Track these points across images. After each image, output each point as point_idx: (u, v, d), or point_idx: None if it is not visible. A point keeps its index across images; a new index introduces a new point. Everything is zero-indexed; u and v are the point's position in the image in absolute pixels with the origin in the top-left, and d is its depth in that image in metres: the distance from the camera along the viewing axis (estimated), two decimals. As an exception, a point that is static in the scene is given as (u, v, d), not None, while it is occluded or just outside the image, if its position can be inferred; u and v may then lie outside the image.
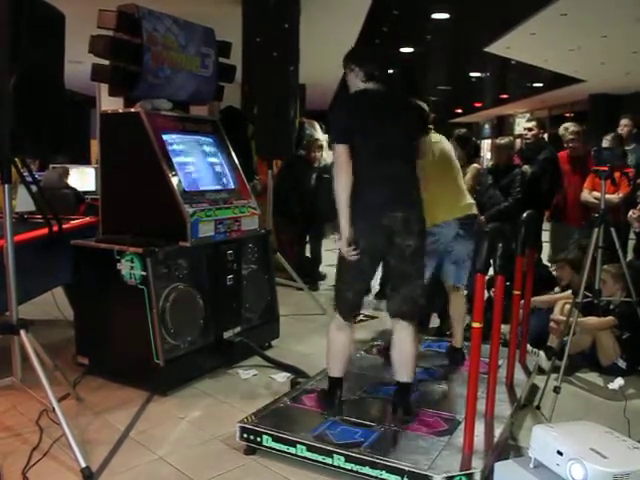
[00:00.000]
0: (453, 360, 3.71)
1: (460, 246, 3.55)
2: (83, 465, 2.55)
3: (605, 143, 5.11)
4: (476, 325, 2.51)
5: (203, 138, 4.09)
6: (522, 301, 3.58)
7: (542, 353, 3.91)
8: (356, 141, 2.77)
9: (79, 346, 3.84)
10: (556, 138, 6.28)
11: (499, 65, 11.71)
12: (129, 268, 3.46)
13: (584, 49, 9.27)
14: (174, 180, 3.58)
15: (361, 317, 4.97)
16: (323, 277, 6.48)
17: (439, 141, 3.57)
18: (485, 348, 2.78)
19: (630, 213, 4.77)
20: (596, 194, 4.79)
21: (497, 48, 9.50)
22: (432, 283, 3.56)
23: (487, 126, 24.64)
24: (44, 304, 4.20)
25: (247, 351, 3.97)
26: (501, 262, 2.78)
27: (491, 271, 2.87)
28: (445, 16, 8.08)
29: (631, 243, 5.33)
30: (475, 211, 3.71)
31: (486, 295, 4.13)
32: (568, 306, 3.73)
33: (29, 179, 3.57)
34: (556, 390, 3.21)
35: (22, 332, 2.80)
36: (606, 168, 3.56)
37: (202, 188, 3.83)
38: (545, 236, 5.87)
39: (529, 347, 3.96)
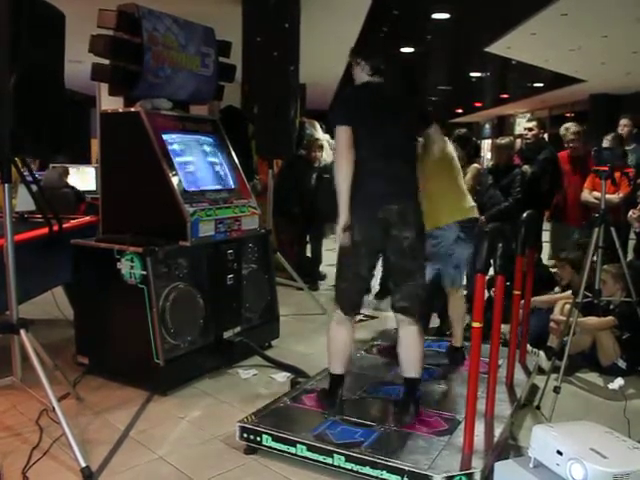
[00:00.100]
0: (453, 360, 3.72)
1: (461, 249, 3.55)
2: (83, 465, 2.55)
3: (605, 143, 5.11)
4: (476, 325, 2.52)
5: (203, 138, 4.08)
6: (522, 301, 3.58)
7: (542, 353, 3.91)
8: (357, 137, 2.79)
9: (79, 346, 3.84)
10: (556, 138, 6.29)
11: (499, 65, 11.71)
12: (129, 267, 3.46)
13: (584, 49, 9.26)
14: (174, 179, 3.58)
15: (361, 317, 4.96)
16: (323, 277, 6.48)
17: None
18: (485, 348, 2.78)
19: (630, 213, 4.77)
20: (596, 194, 4.80)
21: (497, 48, 9.50)
22: (432, 284, 3.57)
23: (487, 126, 24.63)
24: (44, 303, 4.20)
25: (247, 351, 3.97)
26: (501, 262, 2.78)
27: (491, 271, 2.87)
28: (445, 16, 8.07)
29: (631, 243, 5.33)
30: (476, 214, 3.71)
31: (486, 295, 4.13)
32: (568, 306, 3.73)
33: (29, 178, 3.57)
34: (556, 390, 3.21)
35: (22, 331, 2.80)
36: (606, 168, 3.56)
37: (202, 188, 3.82)
38: (545, 236, 5.88)
39: (529, 347, 3.96)
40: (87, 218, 4.39)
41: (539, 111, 18.00)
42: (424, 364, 3.01)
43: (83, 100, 10.66)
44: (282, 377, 3.75)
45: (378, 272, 3.14)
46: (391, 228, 2.80)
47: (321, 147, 6.35)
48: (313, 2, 5.64)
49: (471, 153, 4.96)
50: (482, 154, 17.34)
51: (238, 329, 3.97)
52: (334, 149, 3.02)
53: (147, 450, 2.86)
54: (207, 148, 4.09)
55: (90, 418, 3.16)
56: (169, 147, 3.68)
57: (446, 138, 3.66)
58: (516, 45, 9.26)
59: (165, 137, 3.68)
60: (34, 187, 3.65)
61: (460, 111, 21.57)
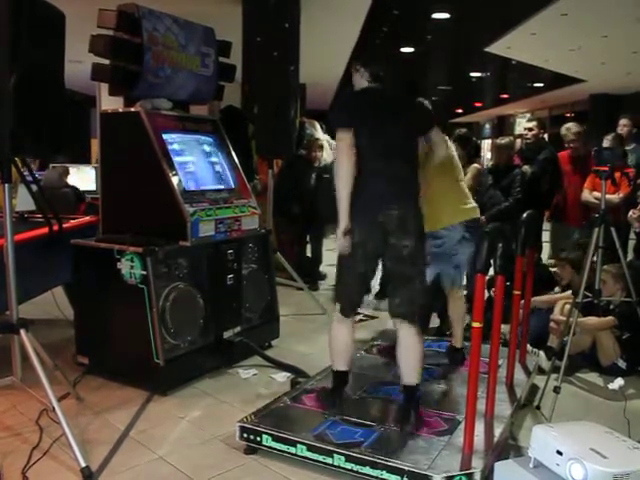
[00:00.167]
0: (453, 360, 3.72)
1: (464, 249, 3.55)
2: (83, 464, 2.55)
3: (605, 143, 5.12)
4: (476, 325, 2.52)
5: (203, 137, 4.08)
6: (522, 301, 3.58)
7: (542, 353, 3.91)
8: (357, 137, 2.78)
9: (79, 346, 3.84)
10: (557, 138, 6.29)
11: (499, 65, 11.72)
12: (129, 267, 3.46)
13: (584, 49, 9.27)
14: (174, 179, 3.58)
15: (361, 317, 4.97)
16: (323, 277, 6.48)
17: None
18: (485, 348, 2.78)
19: (630, 213, 4.77)
20: (596, 194, 4.80)
21: (497, 48, 9.50)
22: (432, 284, 3.56)
23: (487, 126, 24.64)
24: (44, 303, 4.20)
25: (247, 351, 3.97)
26: (501, 262, 2.78)
27: (491, 271, 2.87)
28: (445, 16, 8.07)
29: (631, 243, 5.33)
30: (479, 214, 3.72)
31: (486, 295, 4.13)
32: (568, 306, 3.73)
33: (29, 178, 3.57)
34: (556, 390, 3.21)
35: (22, 331, 2.80)
36: (606, 168, 3.56)
37: (202, 187, 3.83)
38: (545, 236, 5.88)
39: (529, 347, 3.96)
40: (87, 218, 4.39)
41: (539, 111, 18.00)
42: (424, 364, 3.01)
43: (83, 100, 10.66)
44: (282, 377, 3.75)
45: (378, 272, 3.13)
46: (389, 236, 2.79)
47: (321, 147, 6.35)
48: (313, 2, 5.65)
49: (471, 153, 4.96)
50: (482, 154, 17.36)
51: (238, 329, 3.97)
52: (334, 149, 3.02)
53: (147, 450, 2.85)
54: (207, 148, 4.09)
55: (90, 418, 3.16)
56: (169, 147, 3.68)
57: (446, 138, 3.67)
58: (516, 45, 9.26)
59: (165, 137, 3.68)
60: (34, 187, 3.65)
61: (460, 111, 21.58)
